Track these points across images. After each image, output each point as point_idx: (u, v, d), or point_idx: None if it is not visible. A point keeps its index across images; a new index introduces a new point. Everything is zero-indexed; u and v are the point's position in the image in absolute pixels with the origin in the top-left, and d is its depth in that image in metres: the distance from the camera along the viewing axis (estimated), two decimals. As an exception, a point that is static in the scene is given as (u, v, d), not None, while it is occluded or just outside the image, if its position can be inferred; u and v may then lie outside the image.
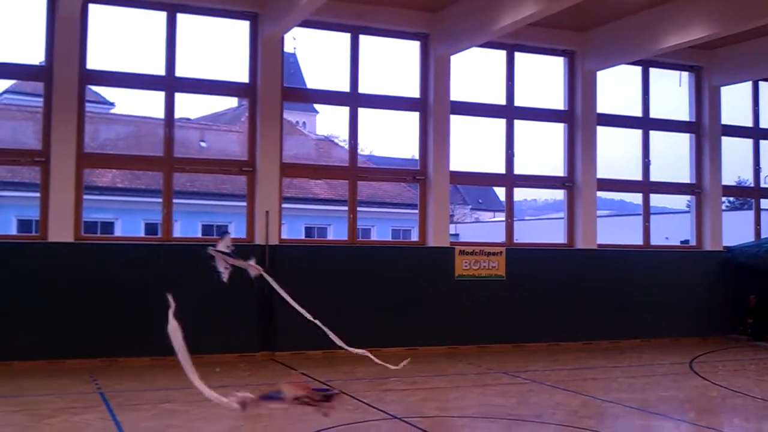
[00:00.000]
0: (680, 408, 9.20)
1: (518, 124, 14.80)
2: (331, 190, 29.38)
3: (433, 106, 13.89)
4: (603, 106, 15.26)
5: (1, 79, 17.82)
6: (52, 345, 11.29)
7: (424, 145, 14.05)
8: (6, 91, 28.64)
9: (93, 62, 12.18)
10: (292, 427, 7.63)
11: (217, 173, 16.47)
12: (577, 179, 14.99)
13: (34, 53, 12.49)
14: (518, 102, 14.80)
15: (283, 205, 13.24)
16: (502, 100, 14.73)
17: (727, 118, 16.53)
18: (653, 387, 10.54)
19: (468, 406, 9.00)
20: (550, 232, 18.37)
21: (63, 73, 11.75)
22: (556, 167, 15.39)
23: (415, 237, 14.52)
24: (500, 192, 18.15)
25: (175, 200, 12.70)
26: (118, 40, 26.96)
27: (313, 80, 43.14)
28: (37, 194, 11.83)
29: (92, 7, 11.97)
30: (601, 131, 15.20)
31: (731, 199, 26.05)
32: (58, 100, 11.71)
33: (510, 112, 14.75)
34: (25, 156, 12.54)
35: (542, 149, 20.23)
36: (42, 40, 11.87)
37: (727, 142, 16.48)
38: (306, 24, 12.77)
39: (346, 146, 14.24)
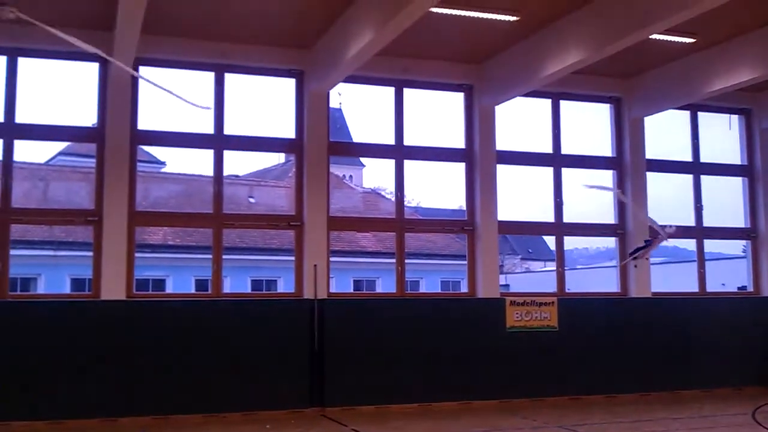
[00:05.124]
0: (746, 462, 8.84)
1: (566, 171, 14.70)
2: (378, 242, 29.31)
3: (479, 156, 13.87)
4: (652, 152, 15.09)
5: (56, 141, 18.25)
6: (106, 402, 11.30)
7: (471, 195, 14.00)
8: (60, 153, 29.36)
9: (144, 122, 12.44)
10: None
11: (265, 228, 16.56)
12: (628, 226, 14.76)
13: (86, 115, 12.85)
14: (565, 150, 14.72)
15: (331, 259, 13.24)
16: (548, 149, 14.65)
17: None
18: (716, 440, 10.18)
19: (524, 461, 8.76)
20: (602, 281, 18.02)
21: (115, 134, 12.00)
22: (606, 214, 15.18)
23: (464, 288, 14.36)
24: (550, 241, 17.89)
25: (224, 256, 12.79)
26: (168, 100, 27.46)
27: (359, 134, 43.43)
28: (90, 253, 12.02)
29: (143, 70, 12.18)
30: (651, 177, 15.01)
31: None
32: (110, 160, 11.94)
33: (557, 160, 14.65)
34: (79, 216, 12.74)
35: (591, 197, 20.00)
36: (94, 102, 12.19)
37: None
38: (351, 79, 12.88)
39: (393, 198, 14.25)
